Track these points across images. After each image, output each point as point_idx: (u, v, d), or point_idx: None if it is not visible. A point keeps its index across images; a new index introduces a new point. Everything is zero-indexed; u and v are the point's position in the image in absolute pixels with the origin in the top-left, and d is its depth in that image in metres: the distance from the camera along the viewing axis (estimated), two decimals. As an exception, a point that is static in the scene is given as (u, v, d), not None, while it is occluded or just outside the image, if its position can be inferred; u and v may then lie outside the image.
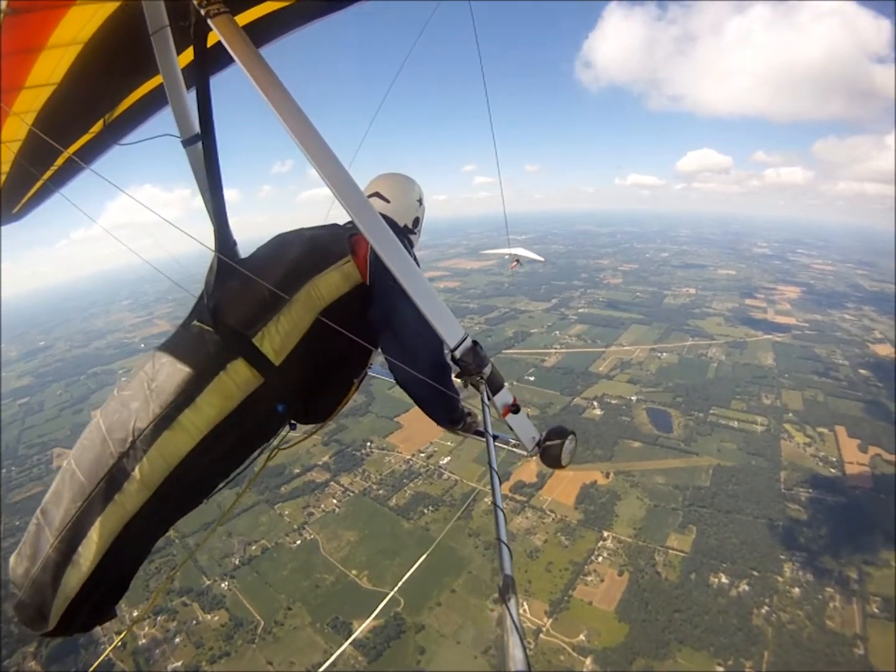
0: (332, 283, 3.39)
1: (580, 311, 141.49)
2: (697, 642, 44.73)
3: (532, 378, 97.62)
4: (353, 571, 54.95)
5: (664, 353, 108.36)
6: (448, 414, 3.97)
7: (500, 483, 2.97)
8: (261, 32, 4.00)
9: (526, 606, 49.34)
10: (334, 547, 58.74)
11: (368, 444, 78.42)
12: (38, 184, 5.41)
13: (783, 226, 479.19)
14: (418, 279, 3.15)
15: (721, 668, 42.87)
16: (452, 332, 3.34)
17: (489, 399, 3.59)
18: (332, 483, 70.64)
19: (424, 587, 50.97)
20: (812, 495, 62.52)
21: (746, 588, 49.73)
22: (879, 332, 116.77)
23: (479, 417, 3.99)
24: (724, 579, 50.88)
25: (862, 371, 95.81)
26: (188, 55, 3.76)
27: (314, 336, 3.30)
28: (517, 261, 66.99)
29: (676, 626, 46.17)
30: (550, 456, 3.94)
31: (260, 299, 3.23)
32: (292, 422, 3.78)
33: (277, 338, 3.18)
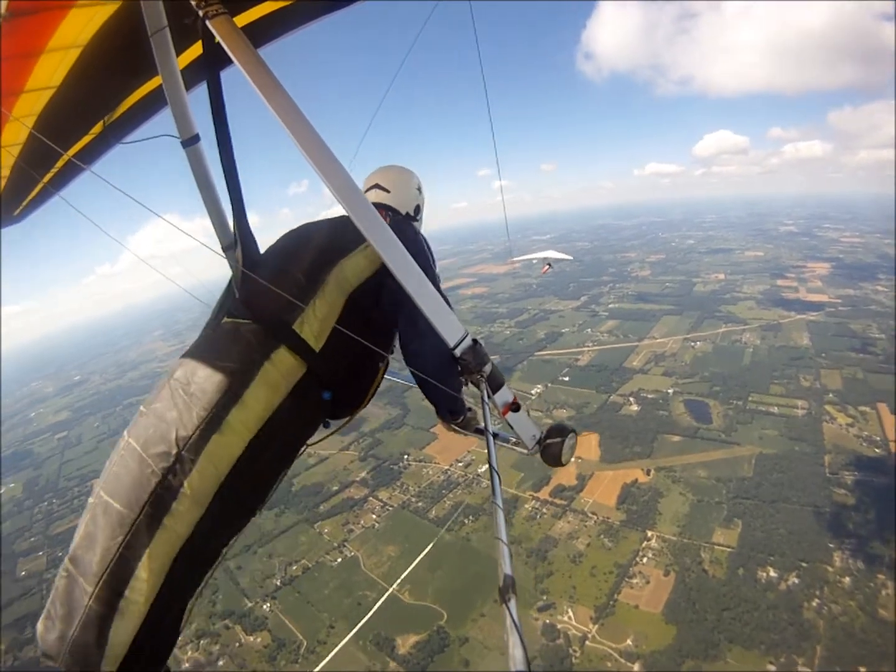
0: (357, 266, 3.45)
1: (610, 306, 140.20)
2: (748, 641, 43.67)
3: (566, 378, 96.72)
4: (395, 586, 54.48)
5: (698, 343, 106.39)
6: (450, 405, 3.89)
7: (501, 482, 3.01)
8: (260, 33, 4.14)
9: (571, 613, 49.00)
10: (375, 563, 58.38)
11: (405, 457, 78.10)
12: (39, 186, 5.44)
13: (807, 202, 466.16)
14: (417, 277, 3.10)
15: (773, 667, 41.85)
16: (452, 331, 3.29)
17: (489, 397, 3.59)
18: (371, 498, 70.27)
19: (467, 599, 50.88)
20: (858, 478, 60.83)
21: (796, 581, 48.57)
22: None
23: (480, 416, 4.01)
24: (772, 573, 49.74)
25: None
26: (187, 56, 3.99)
27: (347, 320, 3.33)
28: (549, 265, 64.97)
29: (725, 625, 45.14)
30: (551, 454, 3.95)
31: (293, 285, 3.25)
32: (326, 420, 3.73)
33: (316, 323, 3.20)
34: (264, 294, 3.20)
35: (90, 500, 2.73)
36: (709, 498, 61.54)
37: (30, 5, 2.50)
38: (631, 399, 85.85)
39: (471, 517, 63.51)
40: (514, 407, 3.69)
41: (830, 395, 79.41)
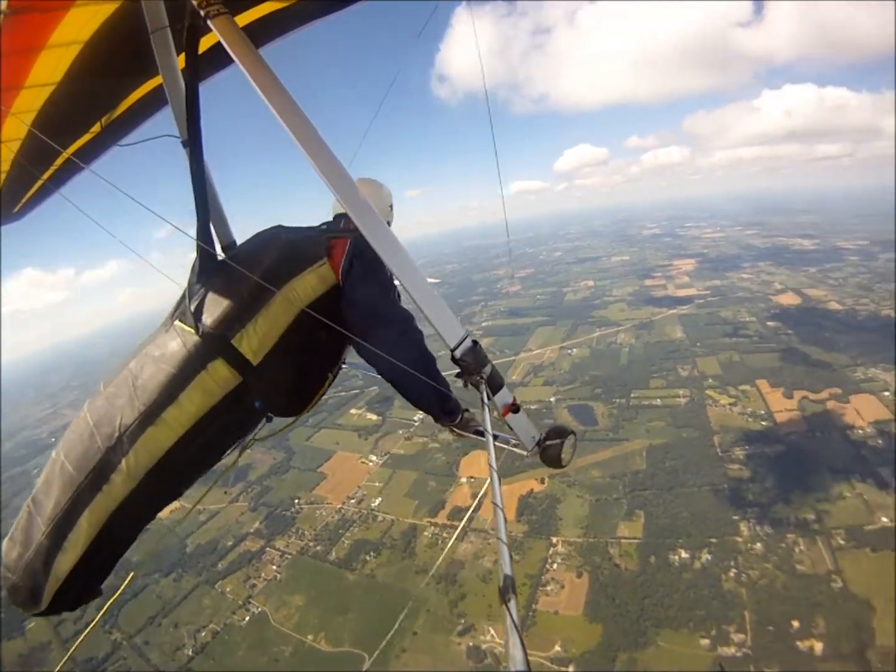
0: (308, 285, 3.47)
1: (484, 324, 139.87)
2: (674, 622, 44.30)
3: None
4: (310, 636, 52.62)
5: (574, 349, 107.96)
6: (441, 405, 3.87)
7: (501, 482, 2.89)
8: (260, 33, 4.16)
9: (493, 632, 48.31)
10: (284, 615, 56.00)
11: (296, 501, 75.54)
12: (38, 183, 5.49)
13: (669, 206, 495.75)
14: (417, 278, 3.16)
15: (706, 640, 42.70)
16: (452, 332, 3.32)
17: (489, 399, 3.50)
18: (268, 549, 67.24)
19: (385, 636, 49.90)
20: (749, 451, 63.45)
21: (708, 557, 49.66)
22: (779, 283, 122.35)
23: (479, 417, 3.97)
24: (683, 554, 50.63)
25: (770, 323, 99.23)
26: None
27: (291, 335, 3.40)
28: None
29: (650, 612, 45.50)
30: (550, 455, 3.86)
31: (239, 301, 3.31)
32: (269, 415, 3.79)
33: (255, 338, 3.27)
34: (210, 306, 3.32)
35: (52, 454, 3.19)
36: (606, 496, 62.21)
37: (31, 2, 2.49)
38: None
39: (371, 553, 61.92)
40: (514, 408, 3.64)
41: (710, 381, 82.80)
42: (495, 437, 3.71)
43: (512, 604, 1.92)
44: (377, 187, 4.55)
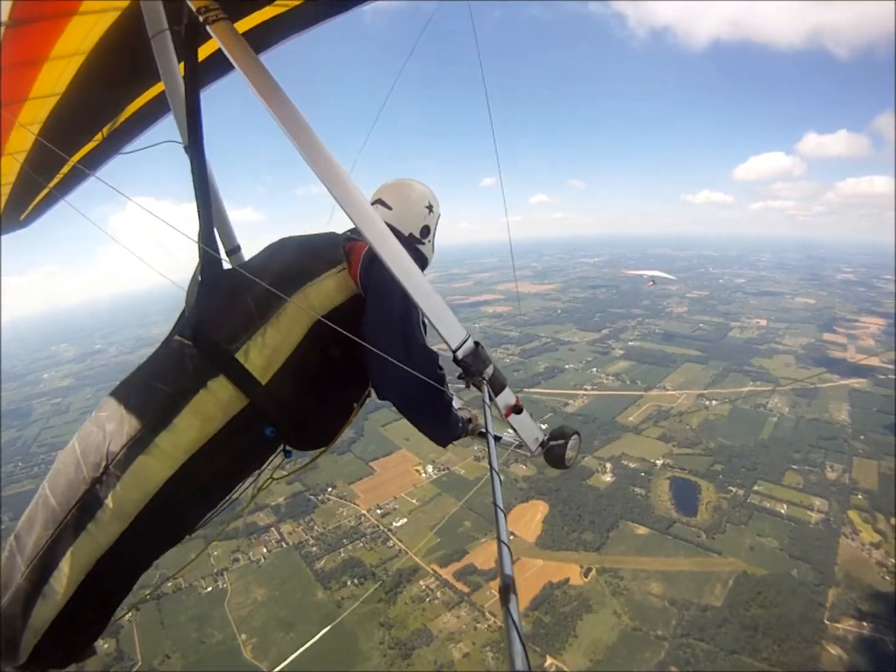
0: (324, 292, 3.25)
1: (629, 344, 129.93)
2: None
3: (544, 426, 79.18)
4: (243, 636, 50.18)
5: (714, 401, 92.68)
6: (446, 438, 3.77)
7: (502, 482, 2.80)
8: (260, 38, 4.16)
9: None
10: (239, 602, 54.29)
11: (329, 489, 72.81)
12: (44, 192, 5.59)
13: (873, 250, 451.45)
14: (420, 282, 3.10)
15: None
16: (454, 334, 3.28)
17: (491, 399, 3.48)
18: (272, 529, 65.13)
19: None
20: (863, 629, 45.55)
21: None
22: None
23: (481, 420, 3.89)
24: None
25: (973, 434, 75.20)
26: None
27: (305, 351, 3.14)
28: (653, 281, 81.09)
29: None
30: (554, 456, 3.90)
31: (245, 310, 3.10)
32: (287, 449, 3.50)
33: (264, 352, 3.03)
34: (213, 317, 3.11)
35: (40, 487, 2.89)
36: (649, 628, 47.86)
37: (33, 14, 2.56)
38: (607, 465, 73.37)
39: (356, 579, 56.29)
40: (517, 409, 3.61)
41: (859, 496, 64.01)
42: (498, 439, 4.11)
43: (513, 604, 1.80)
44: (404, 189, 4.01)
